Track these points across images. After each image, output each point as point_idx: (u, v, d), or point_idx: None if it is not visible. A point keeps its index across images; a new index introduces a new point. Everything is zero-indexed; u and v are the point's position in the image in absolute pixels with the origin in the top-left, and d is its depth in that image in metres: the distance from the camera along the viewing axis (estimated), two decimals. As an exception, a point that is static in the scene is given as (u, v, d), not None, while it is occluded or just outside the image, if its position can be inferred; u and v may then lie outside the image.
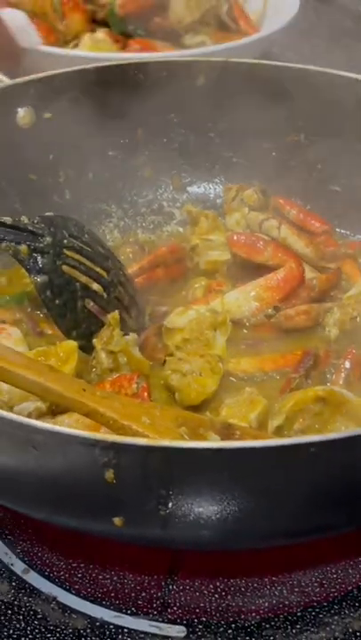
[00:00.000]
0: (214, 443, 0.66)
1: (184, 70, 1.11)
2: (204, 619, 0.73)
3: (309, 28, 1.81)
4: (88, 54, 1.43)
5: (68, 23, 1.52)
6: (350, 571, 0.76)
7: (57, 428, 0.62)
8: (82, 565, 0.76)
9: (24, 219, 0.89)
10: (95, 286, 0.92)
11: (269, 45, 1.54)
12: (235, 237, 1.00)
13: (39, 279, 0.88)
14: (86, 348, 0.88)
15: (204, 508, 0.63)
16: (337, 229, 1.09)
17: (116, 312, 0.88)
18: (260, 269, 0.99)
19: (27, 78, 1.04)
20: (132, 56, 1.40)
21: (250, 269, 1.00)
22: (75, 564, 0.76)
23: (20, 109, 1.04)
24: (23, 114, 1.04)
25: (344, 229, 1.09)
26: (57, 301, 0.89)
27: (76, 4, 1.53)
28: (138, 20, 1.54)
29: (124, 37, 1.55)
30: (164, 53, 1.40)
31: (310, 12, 1.87)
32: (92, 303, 0.91)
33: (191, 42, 1.48)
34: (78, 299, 0.90)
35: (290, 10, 1.56)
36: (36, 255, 0.88)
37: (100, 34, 1.52)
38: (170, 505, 0.63)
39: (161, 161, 1.14)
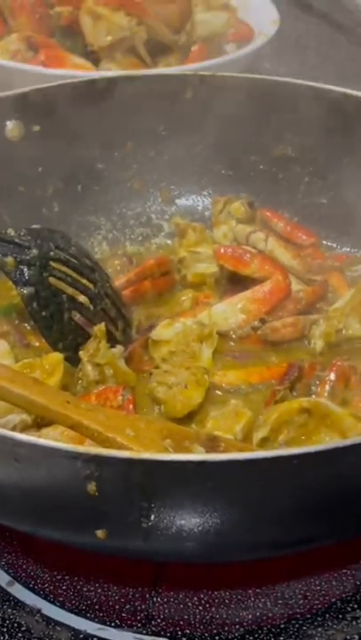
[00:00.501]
0: (196, 455, 0.66)
1: (173, 84, 1.11)
2: (187, 631, 0.73)
3: (299, 41, 1.83)
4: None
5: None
6: (334, 583, 0.76)
7: (39, 440, 0.62)
8: (66, 578, 0.76)
9: (10, 231, 0.89)
10: (82, 298, 0.92)
11: (253, 62, 1.54)
12: (222, 250, 1.01)
13: (26, 291, 0.88)
14: (73, 360, 0.88)
15: (187, 521, 0.63)
16: (324, 242, 1.09)
17: (103, 324, 0.88)
18: (247, 282, 0.99)
19: (15, 92, 1.05)
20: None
21: (237, 282, 1.00)
22: (59, 577, 0.76)
23: (8, 122, 1.04)
24: (12, 127, 1.04)
25: (331, 242, 1.10)
26: (43, 313, 0.89)
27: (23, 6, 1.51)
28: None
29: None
30: (158, 70, 1.39)
31: (300, 26, 1.89)
32: (78, 315, 0.91)
33: (104, 67, 1.46)
34: (65, 311, 0.90)
35: (271, 28, 1.56)
36: (22, 267, 0.88)
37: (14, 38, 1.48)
38: (152, 517, 0.63)
39: (149, 174, 1.14)
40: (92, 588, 0.76)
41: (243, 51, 1.50)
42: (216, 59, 1.46)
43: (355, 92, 1.06)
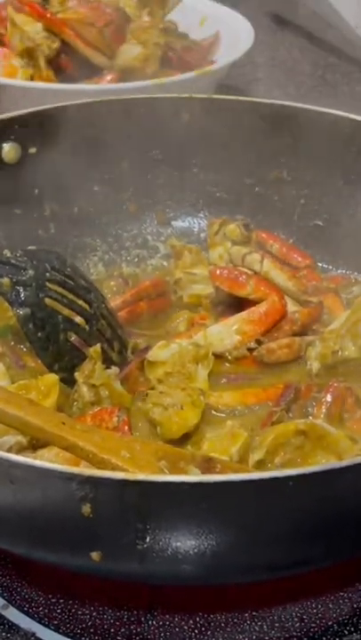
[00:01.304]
0: (191, 477, 0.66)
1: (169, 107, 1.12)
2: (183, 655, 0.73)
3: (294, 65, 1.84)
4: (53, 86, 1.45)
5: None
6: (330, 606, 0.76)
7: (34, 462, 0.62)
8: (61, 601, 0.76)
9: (6, 252, 0.90)
10: (78, 319, 0.92)
11: (224, 77, 1.56)
12: (217, 271, 1.01)
13: (22, 312, 0.88)
14: (68, 381, 0.88)
15: (182, 543, 0.63)
16: (319, 263, 1.10)
17: (98, 345, 0.88)
18: (242, 303, 0.99)
19: (12, 114, 1.06)
20: (114, 89, 1.42)
21: (233, 303, 1.01)
22: (54, 600, 0.76)
23: (5, 145, 1.05)
24: (8, 149, 1.05)
25: (326, 264, 1.10)
26: (39, 334, 0.89)
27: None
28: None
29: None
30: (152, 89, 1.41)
31: (295, 50, 1.91)
32: (74, 336, 0.91)
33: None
34: (61, 331, 0.90)
35: (245, 43, 1.57)
36: (18, 288, 0.88)
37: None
38: (147, 539, 0.63)
39: (145, 196, 1.15)
40: (86, 612, 0.75)
41: (210, 68, 1.52)
42: (179, 75, 1.48)
43: (350, 115, 1.07)
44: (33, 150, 1.07)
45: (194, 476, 0.67)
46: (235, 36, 1.62)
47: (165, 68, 1.54)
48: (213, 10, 1.73)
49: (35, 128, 1.07)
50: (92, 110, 1.10)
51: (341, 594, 0.77)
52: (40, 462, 0.62)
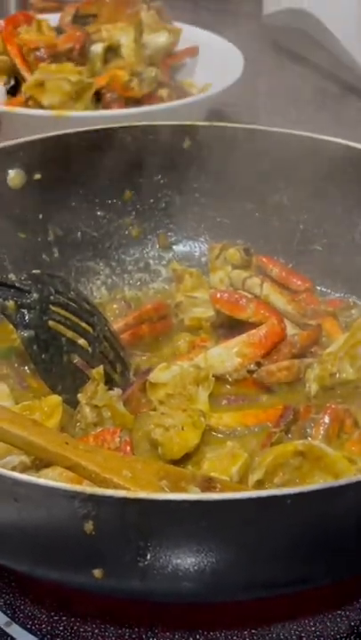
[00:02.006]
0: (191, 495, 0.67)
1: (171, 134, 1.14)
2: (183, 672, 0.73)
3: (295, 92, 1.87)
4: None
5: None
6: (328, 624, 0.77)
7: (38, 480, 0.64)
8: (63, 618, 0.77)
9: (11, 276, 0.92)
10: (81, 341, 0.94)
11: (215, 105, 1.59)
12: (218, 295, 1.03)
13: (26, 334, 0.90)
14: (71, 402, 0.90)
15: (183, 560, 0.64)
16: (318, 287, 1.11)
17: (101, 367, 0.90)
18: (243, 326, 1.01)
19: (17, 141, 1.07)
20: (115, 115, 1.44)
21: (233, 326, 1.02)
22: (56, 617, 0.77)
23: (10, 171, 1.07)
24: (13, 175, 1.07)
25: (325, 287, 1.12)
26: (43, 356, 0.91)
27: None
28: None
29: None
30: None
31: (296, 78, 1.93)
32: (77, 358, 0.93)
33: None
34: (64, 353, 0.92)
35: (234, 73, 1.60)
36: (23, 311, 0.90)
37: None
38: (148, 556, 0.64)
39: (148, 220, 1.17)
40: (88, 629, 0.76)
41: (201, 96, 1.55)
42: (179, 101, 1.51)
43: (349, 143, 1.09)
44: (37, 176, 1.09)
45: (194, 495, 0.69)
46: (225, 64, 1.64)
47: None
48: (203, 38, 1.76)
49: (39, 155, 1.09)
50: (95, 137, 1.12)
51: (339, 612, 0.78)
52: (44, 480, 0.63)
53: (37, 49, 1.52)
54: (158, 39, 1.59)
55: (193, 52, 1.71)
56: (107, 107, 1.51)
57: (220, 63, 1.66)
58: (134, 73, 1.52)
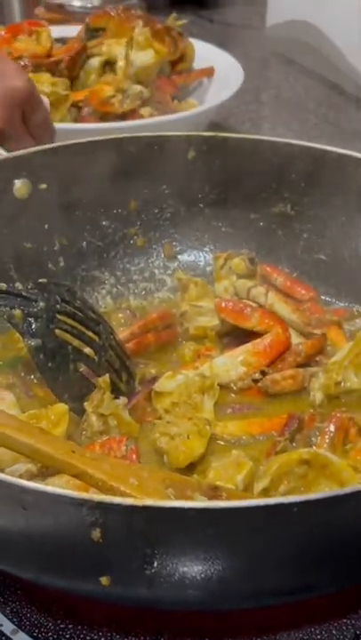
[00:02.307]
0: (198, 503, 0.68)
1: (176, 144, 1.15)
2: None
3: (298, 103, 1.88)
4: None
5: None
6: (333, 632, 0.77)
7: (45, 487, 0.64)
8: (70, 626, 0.77)
9: (18, 285, 0.92)
10: (87, 350, 0.94)
11: (214, 116, 1.60)
12: (223, 304, 1.03)
13: (33, 343, 0.91)
14: (78, 411, 0.90)
15: (189, 568, 0.64)
16: (322, 297, 1.12)
17: (107, 376, 0.90)
18: (247, 335, 1.01)
19: (23, 151, 1.08)
20: (120, 127, 1.44)
21: (238, 335, 1.03)
22: (62, 625, 0.77)
23: (16, 181, 1.07)
24: (19, 185, 1.08)
25: (329, 297, 1.12)
26: (50, 364, 0.91)
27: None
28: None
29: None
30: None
31: (299, 89, 1.95)
32: (83, 366, 0.93)
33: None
34: (70, 362, 0.92)
35: (235, 83, 1.61)
36: (29, 319, 0.91)
37: None
38: (155, 564, 0.64)
39: (153, 230, 1.17)
40: (95, 637, 0.76)
41: (201, 108, 1.56)
42: (169, 115, 1.51)
43: (350, 152, 1.09)
44: (43, 186, 1.09)
45: (200, 502, 0.69)
46: (225, 77, 1.65)
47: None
48: (204, 50, 1.76)
49: (45, 165, 1.09)
50: (101, 148, 1.13)
51: (345, 620, 0.78)
52: (51, 488, 0.64)
53: (20, 57, 1.53)
54: (143, 57, 1.57)
55: (209, 72, 1.70)
56: (82, 120, 1.52)
57: (220, 76, 1.67)
58: (119, 89, 1.52)
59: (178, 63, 1.68)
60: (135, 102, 1.52)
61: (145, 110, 1.52)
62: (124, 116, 1.52)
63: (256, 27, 2.23)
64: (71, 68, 1.56)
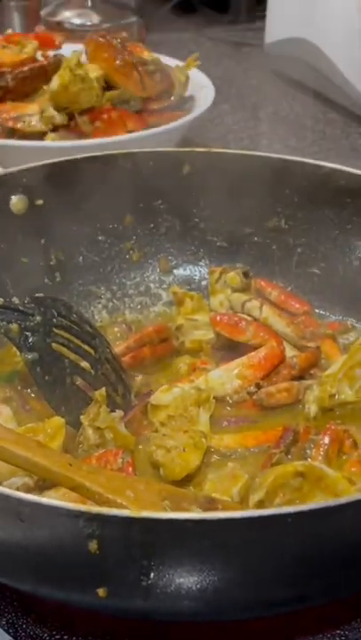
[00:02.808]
0: (194, 514, 0.68)
1: (170, 160, 1.16)
2: None
3: (296, 120, 1.90)
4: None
5: None
6: (329, 643, 0.78)
7: (42, 500, 0.64)
8: (65, 637, 0.77)
9: (15, 299, 0.93)
10: (83, 364, 0.95)
11: (186, 132, 1.59)
12: (218, 317, 1.04)
13: (29, 356, 0.91)
14: (74, 424, 0.91)
15: (185, 579, 0.65)
16: (316, 310, 1.13)
17: (103, 389, 0.91)
18: (242, 348, 1.02)
19: (19, 167, 1.09)
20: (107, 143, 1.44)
21: (233, 348, 1.03)
22: (59, 637, 0.77)
23: (13, 197, 1.09)
24: (16, 201, 1.09)
25: (323, 310, 1.13)
26: (47, 378, 0.92)
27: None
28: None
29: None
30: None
31: (297, 105, 1.96)
32: (80, 380, 0.94)
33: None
34: (67, 375, 0.93)
35: (205, 100, 1.60)
36: (26, 333, 0.92)
37: None
38: (152, 575, 0.65)
39: (148, 245, 1.18)
40: (91, 649, 0.77)
41: (178, 122, 1.53)
42: (153, 129, 1.50)
43: (344, 168, 1.11)
44: (40, 202, 1.10)
45: (197, 514, 0.70)
46: (197, 93, 1.64)
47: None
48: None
49: (41, 181, 1.10)
50: (97, 163, 1.14)
51: (338, 632, 0.78)
52: (48, 500, 0.64)
53: None
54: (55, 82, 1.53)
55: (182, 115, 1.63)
56: None
57: (193, 92, 1.66)
58: (43, 110, 1.49)
59: (156, 100, 1.59)
60: (44, 125, 1.47)
61: (50, 136, 1.47)
62: (34, 137, 1.48)
63: (254, 44, 2.26)
64: (20, 83, 1.53)
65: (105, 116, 1.50)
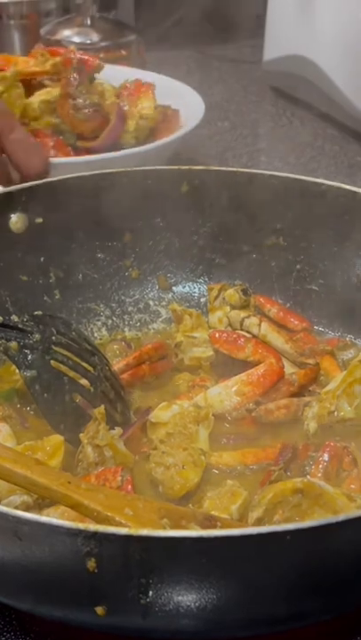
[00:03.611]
0: (192, 532, 0.68)
1: (170, 178, 1.17)
2: None
3: (295, 136, 1.91)
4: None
5: None
6: (329, 661, 0.77)
7: (41, 518, 0.64)
8: (65, 657, 0.77)
9: (14, 317, 0.93)
10: (82, 381, 0.95)
11: (178, 147, 1.59)
12: (217, 335, 1.05)
13: (28, 374, 0.92)
14: (73, 442, 0.91)
15: (184, 597, 0.65)
16: (316, 327, 1.13)
17: (102, 407, 0.91)
18: (241, 365, 1.02)
19: (19, 186, 1.10)
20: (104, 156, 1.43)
21: (232, 365, 1.03)
22: (58, 656, 0.77)
23: (12, 215, 1.09)
24: (16, 219, 1.09)
25: (322, 327, 1.14)
26: (45, 395, 0.92)
27: None
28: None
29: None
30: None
31: (296, 122, 1.97)
32: (79, 397, 0.94)
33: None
34: (66, 393, 0.93)
35: (195, 116, 1.59)
36: (25, 351, 0.92)
37: None
38: (150, 594, 0.65)
39: (147, 262, 1.19)
40: (90, 668, 0.77)
41: (168, 139, 1.52)
42: (143, 146, 1.48)
43: (342, 185, 1.11)
44: (39, 220, 1.11)
45: (195, 532, 0.69)
46: (187, 110, 1.63)
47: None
48: (167, 84, 1.72)
49: (41, 199, 1.11)
50: (96, 181, 1.14)
51: (340, 649, 0.78)
52: (47, 518, 0.64)
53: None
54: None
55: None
56: None
57: (183, 109, 1.64)
58: None
59: (86, 139, 1.52)
60: None
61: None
62: None
63: (253, 61, 2.27)
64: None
65: (38, 140, 1.45)
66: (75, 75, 1.53)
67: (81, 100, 1.49)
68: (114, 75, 1.63)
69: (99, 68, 1.61)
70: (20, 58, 1.65)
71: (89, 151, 1.49)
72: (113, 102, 1.53)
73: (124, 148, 1.49)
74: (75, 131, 1.51)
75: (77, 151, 1.51)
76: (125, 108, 1.55)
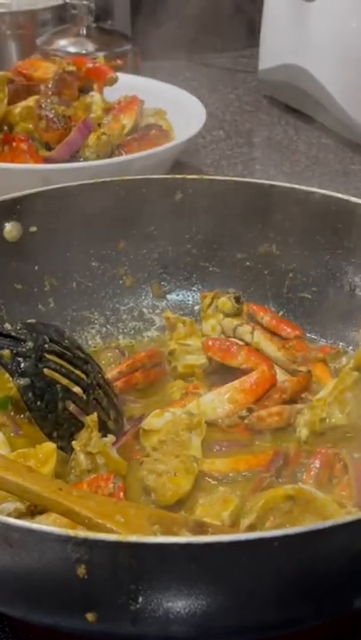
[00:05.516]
0: (181, 538, 0.69)
1: (163, 187, 1.18)
2: None
3: (290, 145, 1.92)
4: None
5: None
6: (319, 667, 0.78)
7: (31, 525, 0.65)
8: (57, 664, 0.78)
9: (7, 325, 0.94)
10: (75, 389, 0.96)
11: (179, 154, 1.59)
12: (210, 342, 1.05)
13: (22, 382, 0.92)
14: (66, 449, 0.91)
15: (173, 603, 0.65)
16: (308, 334, 1.13)
17: (95, 414, 0.92)
18: (234, 373, 1.03)
19: (14, 195, 1.11)
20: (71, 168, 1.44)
21: (225, 373, 1.04)
22: (50, 663, 0.78)
23: (7, 224, 1.10)
24: (10, 228, 1.10)
25: (315, 335, 1.14)
26: (39, 403, 0.93)
27: None
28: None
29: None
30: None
31: (291, 130, 1.98)
32: (72, 405, 0.95)
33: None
34: (59, 400, 0.94)
35: (197, 123, 1.61)
36: (18, 359, 0.92)
37: None
38: (140, 600, 0.65)
39: (141, 270, 1.19)
40: (82, 674, 0.77)
41: (167, 146, 1.53)
42: (143, 152, 1.50)
43: (334, 194, 1.12)
44: (34, 229, 1.12)
45: (183, 538, 0.70)
46: (188, 117, 1.64)
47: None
48: (168, 91, 1.75)
49: (35, 208, 1.12)
50: (90, 190, 1.15)
51: (331, 655, 0.79)
52: (37, 525, 0.65)
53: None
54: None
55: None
56: None
57: (184, 116, 1.65)
58: None
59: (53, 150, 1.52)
60: None
61: None
62: None
63: (248, 70, 2.28)
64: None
65: (14, 144, 1.49)
66: (50, 85, 1.55)
67: (47, 111, 1.51)
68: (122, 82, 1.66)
69: (111, 81, 1.63)
70: (42, 63, 1.66)
71: (46, 160, 1.50)
72: (83, 116, 1.54)
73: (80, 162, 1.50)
74: (41, 139, 1.53)
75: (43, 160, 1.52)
76: (105, 122, 1.58)
